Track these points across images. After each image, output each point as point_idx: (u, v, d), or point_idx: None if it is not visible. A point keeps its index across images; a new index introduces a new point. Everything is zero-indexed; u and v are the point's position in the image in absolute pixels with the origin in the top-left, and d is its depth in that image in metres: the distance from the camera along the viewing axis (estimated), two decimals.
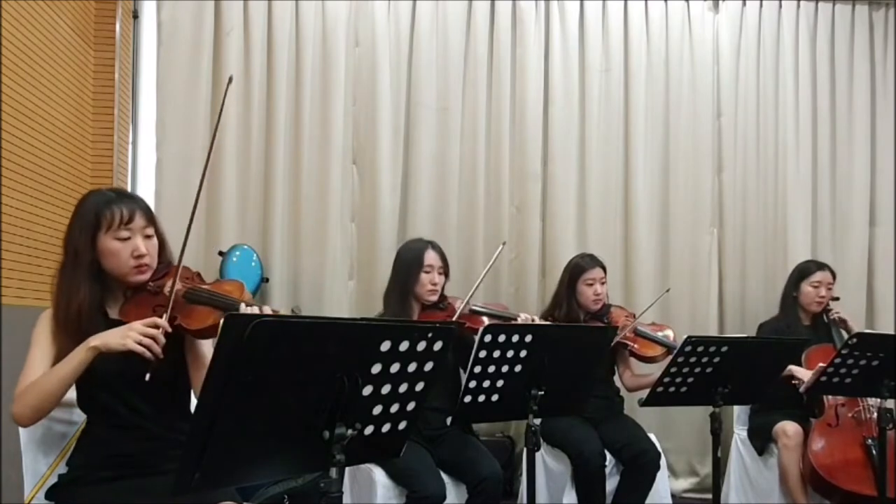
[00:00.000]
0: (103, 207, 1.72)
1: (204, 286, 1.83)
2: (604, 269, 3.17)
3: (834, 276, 3.43)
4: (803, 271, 3.45)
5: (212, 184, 3.67)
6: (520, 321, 2.79)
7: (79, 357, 1.63)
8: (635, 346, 3.02)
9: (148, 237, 1.76)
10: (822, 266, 3.45)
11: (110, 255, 1.72)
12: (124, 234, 1.72)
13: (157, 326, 1.63)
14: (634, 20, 4.06)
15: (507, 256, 3.89)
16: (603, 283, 3.14)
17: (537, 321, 2.83)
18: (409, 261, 2.82)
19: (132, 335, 1.60)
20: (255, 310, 1.70)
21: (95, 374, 1.68)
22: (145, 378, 1.61)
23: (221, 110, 1.81)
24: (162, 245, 1.82)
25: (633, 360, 3.13)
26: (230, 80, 1.98)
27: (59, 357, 1.70)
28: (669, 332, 3.08)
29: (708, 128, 4.11)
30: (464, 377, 2.01)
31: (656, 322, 3.27)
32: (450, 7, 3.92)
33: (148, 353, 1.60)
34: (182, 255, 1.76)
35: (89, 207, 1.74)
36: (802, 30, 4.17)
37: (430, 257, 2.80)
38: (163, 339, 1.63)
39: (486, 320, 2.79)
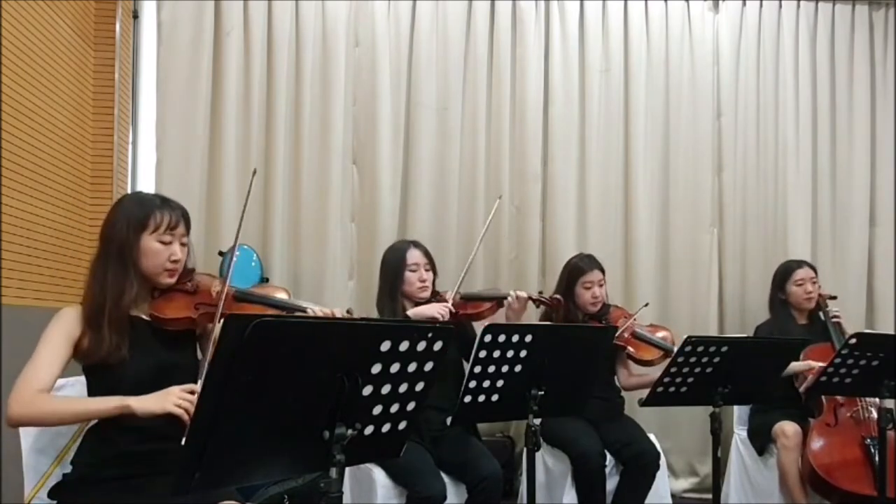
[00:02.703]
0: (155, 210, 1.82)
1: (254, 290, 1.97)
2: (602, 270, 3.15)
3: (815, 270, 3.45)
4: (784, 273, 3.48)
5: (212, 184, 3.68)
6: (510, 298, 2.78)
7: (107, 407, 1.66)
8: (632, 348, 3.00)
9: (183, 244, 1.87)
10: (800, 263, 3.48)
11: (150, 255, 1.81)
12: (167, 237, 1.82)
13: (192, 392, 1.66)
14: (634, 20, 4.06)
15: (507, 256, 3.90)
16: (601, 286, 3.12)
17: (525, 295, 2.80)
18: (394, 263, 2.83)
19: (171, 398, 1.63)
20: (315, 310, 1.84)
21: (117, 383, 1.72)
22: (181, 442, 1.61)
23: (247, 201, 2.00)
24: (188, 252, 1.91)
25: (630, 362, 3.12)
26: (254, 172, 2.11)
27: (80, 352, 1.74)
28: (667, 335, 3.06)
29: (708, 128, 4.11)
30: (467, 368, 2.01)
31: (655, 323, 3.25)
32: (450, 7, 3.92)
33: (186, 417, 1.62)
34: (230, 268, 1.93)
35: (138, 207, 1.83)
36: (802, 30, 4.17)
37: (414, 256, 2.82)
38: None
39: (481, 304, 2.79)
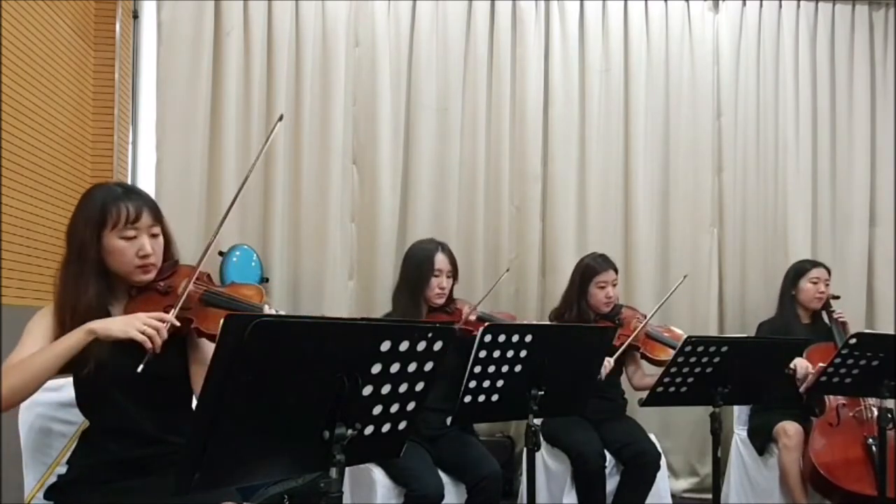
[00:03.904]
0: (110, 204, 1.67)
1: (221, 289, 1.81)
2: (616, 270, 3.15)
3: (829, 272, 3.46)
4: (800, 269, 3.48)
5: (212, 184, 3.67)
6: None
7: (74, 338, 1.57)
8: (646, 348, 2.99)
9: (154, 236, 1.73)
10: (817, 263, 3.50)
11: (115, 254, 1.68)
12: (130, 232, 1.68)
13: (162, 321, 1.60)
14: (634, 20, 4.06)
15: (506, 256, 3.90)
16: (615, 286, 3.12)
17: None
18: (419, 263, 2.81)
19: (136, 324, 1.56)
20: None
21: (94, 379, 1.63)
22: (137, 370, 1.54)
23: (266, 143, 1.79)
24: (168, 242, 1.78)
25: (643, 362, 3.11)
26: (280, 117, 1.93)
27: None
28: (680, 335, 3.05)
29: (708, 128, 4.11)
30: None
31: (668, 326, 3.24)
32: (450, 7, 3.92)
33: (149, 344, 1.55)
34: (203, 258, 1.75)
35: (95, 202, 1.69)
36: (802, 30, 4.17)
37: (440, 261, 2.80)
38: (165, 335, 1.59)
39: None
